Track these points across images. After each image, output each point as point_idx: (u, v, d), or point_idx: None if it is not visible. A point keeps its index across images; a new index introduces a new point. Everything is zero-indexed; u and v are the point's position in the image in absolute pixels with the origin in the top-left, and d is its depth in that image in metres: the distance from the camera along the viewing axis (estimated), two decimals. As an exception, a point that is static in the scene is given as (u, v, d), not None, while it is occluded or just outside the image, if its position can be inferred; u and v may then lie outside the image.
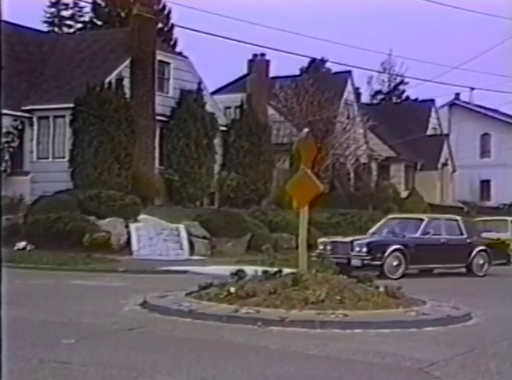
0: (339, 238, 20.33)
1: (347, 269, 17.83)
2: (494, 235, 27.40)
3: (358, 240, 19.51)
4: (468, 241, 20.85)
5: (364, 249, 18.81)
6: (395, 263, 19.00)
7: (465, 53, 79.10)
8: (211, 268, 18.91)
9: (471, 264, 20.73)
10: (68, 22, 49.90)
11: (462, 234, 20.80)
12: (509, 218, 29.25)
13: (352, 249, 18.93)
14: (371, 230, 21.39)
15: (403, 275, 18.79)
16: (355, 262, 18.58)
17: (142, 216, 25.28)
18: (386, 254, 18.84)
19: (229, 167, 32.49)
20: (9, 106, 26.52)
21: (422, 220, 20.66)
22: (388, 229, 20.92)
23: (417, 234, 19.96)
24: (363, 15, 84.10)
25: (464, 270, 20.80)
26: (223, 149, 32.88)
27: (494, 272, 20.78)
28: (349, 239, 19.66)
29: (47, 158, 28.61)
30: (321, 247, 19.36)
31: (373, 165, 43.10)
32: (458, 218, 21.92)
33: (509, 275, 21.44)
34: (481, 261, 20.86)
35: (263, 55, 37.36)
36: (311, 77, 38.92)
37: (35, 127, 28.75)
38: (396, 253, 19.02)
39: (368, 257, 18.71)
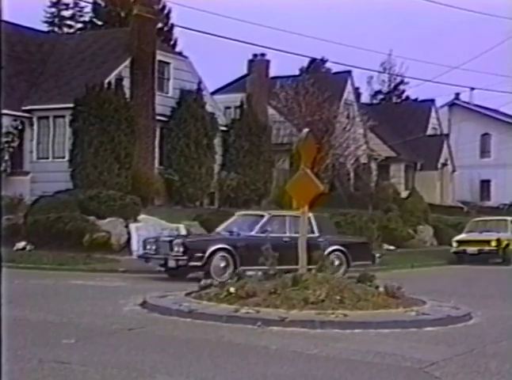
0: (163, 237, 18.90)
1: (181, 272, 17.04)
2: (494, 235, 27.55)
3: (177, 239, 17.84)
4: (320, 239, 17.73)
5: (180, 249, 16.95)
6: (222, 264, 17.06)
7: (465, 53, 79.13)
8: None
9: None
10: (68, 22, 49.91)
11: (313, 232, 18.17)
12: (509, 218, 29.23)
13: (171, 249, 17.06)
14: (218, 229, 19.30)
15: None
16: (171, 263, 16.91)
17: (142, 216, 25.27)
18: (207, 254, 16.88)
19: (229, 167, 32.49)
20: (9, 106, 26.53)
21: (262, 216, 18.55)
22: (232, 226, 18.76)
23: (253, 232, 17.89)
24: (363, 15, 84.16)
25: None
26: (223, 149, 32.87)
27: (493, 272, 20.71)
28: (170, 238, 18.16)
29: (47, 158, 28.61)
30: (148, 247, 18.03)
31: (373, 165, 43.09)
32: (309, 214, 19.53)
33: (509, 275, 21.48)
34: (336, 262, 18.30)
35: (263, 55, 37.36)
36: (311, 77, 38.91)
37: (35, 127, 28.75)
38: (222, 253, 17.10)
39: (184, 258, 16.85)
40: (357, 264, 18.53)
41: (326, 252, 17.18)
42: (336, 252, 18.52)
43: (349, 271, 18.23)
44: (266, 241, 16.55)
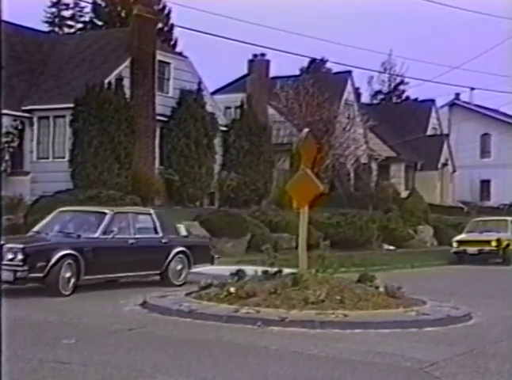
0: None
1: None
2: (494, 235, 27.55)
3: (11, 243, 13.37)
4: (164, 240, 16.25)
5: (20, 257, 13.09)
6: (67, 274, 13.67)
7: (465, 53, 79.07)
8: (211, 268, 18.88)
9: (167, 270, 16.13)
10: (68, 22, 49.88)
11: (157, 232, 16.22)
12: (509, 218, 29.25)
13: (1, 257, 12.58)
14: (35, 228, 15.64)
15: (74, 290, 13.81)
16: (6, 275, 12.74)
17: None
18: (52, 262, 13.37)
19: (229, 167, 32.48)
20: (9, 106, 26.51)
21: (104, 214, 15.26)
22: (60, 226, 15.20)
23: (96, 234, 14.72)
24: (363, 15, 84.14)
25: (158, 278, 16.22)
26: (223, 149, 32.87)
27: (493, 272, 20.72)
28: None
29: (47, 158, 28.60)
30: None
31: (373, 165, 43.09)
32: (151, 211, 17.20)
33: (509, 275, 21.48)
34: (179, 267, 16.38)
35: (263, 55, 37.36)
36: (312, 77, 38.89)
37: (35, 127, 28.74)
38: (68, 261, 13.69)
39: (25, 268, 13.09)
40: (196, 267, 16.89)
41: (171, 256, 16.10)
42: (180, 255, 16.40)
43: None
44: (113, 244, 14.76)
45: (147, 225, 16.21)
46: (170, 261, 16.13)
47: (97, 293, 14.23)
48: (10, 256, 13.05)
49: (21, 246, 13.26)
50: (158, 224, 16.28)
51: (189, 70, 32.13)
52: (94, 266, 14.10)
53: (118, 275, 15.27)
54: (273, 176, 34.05)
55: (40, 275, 13.25)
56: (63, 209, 16.10)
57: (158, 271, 16.07)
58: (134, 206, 25.08)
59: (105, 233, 14.74)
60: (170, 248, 16.25)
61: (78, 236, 14.51)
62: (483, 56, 70.93)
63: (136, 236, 15.54)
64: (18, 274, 13.03)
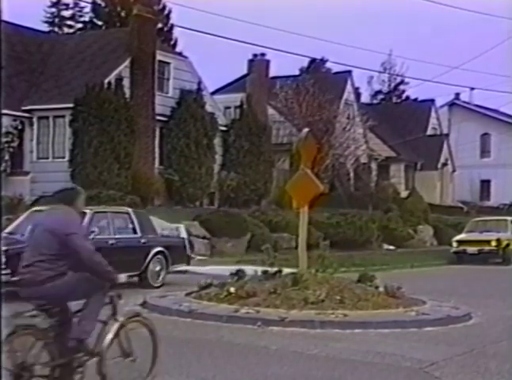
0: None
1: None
2: (494, 235, 27.54)
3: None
4: (143, 240, 15.73)
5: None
6: None
7: (465, 53, 79.11)
8: (211, 268, 18.89)
9: (147, 271, 15.57)
10: (68, 22, 49.87)
11: (135, 232, 15.66)
12: (509, 218, 29.24)
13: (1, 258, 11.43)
14: (7, 229, 14.73)
15: None
16: None
17: (142, 216, 25.26)
18: None
19: (229, 167, 32.48)
20: (9, 106, 26.50)
21: (83, 214, 13.33)
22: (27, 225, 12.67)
23: None
24: (363, 15, 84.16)
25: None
26: (223, 149, 32.87)
27: (493, 272, 20.69)
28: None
29: (47, 158, 28.60)
30: None
31: (373, 165, 43.09)
32: (129, 210, 16.47)
33: (509, 275, 21.47)
34: (158, 267, 15.86)
35: (263, 55, 37.35)
36: (311, 77, 38.88)
37: (35, 127, 28.74)
38: None
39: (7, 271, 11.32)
40: (174, 268, 16.33)
41: (150, 256, 15.50)
42: (158, 256, 15.85)
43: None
44: (95, 245, 13.17)
45: (125, 225, 15.58)
46: (149, 262, 15.52)
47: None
48: None
49: (5, 247, 12.10)
50: (136, 224, 15.71)
51: (188, 70, 32.13)
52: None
53: None
54: (273, 176, 34.05)
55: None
56: (37, 208, 15.02)
57: (136, 273, 15.24)
58: (134, 206, 25.18)
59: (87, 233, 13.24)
60: (148, 248, 15.65)
61: None
62: (483, 56, 71.02)
63: (116, 236, 14.91)
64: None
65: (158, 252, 15.78)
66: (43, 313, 6.21)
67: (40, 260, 6.19)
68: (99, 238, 13.90)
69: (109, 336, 6.56)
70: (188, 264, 17.18)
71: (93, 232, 13.73)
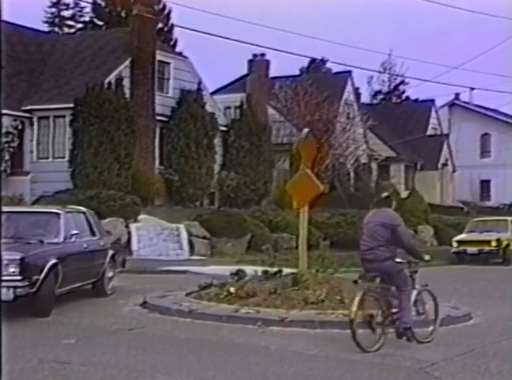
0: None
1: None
2: (494, 235, 27.52)
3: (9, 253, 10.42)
4: (102, 243, 13.99)
5: (16, 269, 10.58)
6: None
7: (465, 53, 79.09)
8: (211, 268, 18.89)
9: (103, 277, 13.71)
10: (68, 22, 49.86)
11: (94, 234, 13.80)
12: (509, 218, 29.22)
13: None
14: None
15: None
16: (5, 295, 9.89)
17: (142, 216, 25.28)
18: (43, 274, 10.99)
19: (229, 167, 32.47)
20: (9, 106, 26.50)
21: (58, 216, 12.59)
22: (11, 230, 11.76)
23: (60, 238, 12.13)
24: (363, 15, 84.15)
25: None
26: (223, 149, 32.86)
27: (493, 272, 20.67)
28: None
29: (47, 158, 28.58)
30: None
31: (373, 165, 43.08)
32: (85, 209, 14.47)
33: (509, 275, 21.45)
34: (110, 273, 14.11)
35: (263, 55, 37.34)
36: (311, 77, 38.89)
37: (35, 127, 28.72)
38: (53, 272, 11.30)
39: (24, 284, 10.70)
40: (116, 272, 14.59)
41: (107, 260, 13.88)
42: (111, 260, 14.17)
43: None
44: (75, 248, 12.33)
45: (85, 226, 13.56)
46: (106, 267, 13.81)
47: (96, 293, 14.21)
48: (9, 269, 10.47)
49: (21, 255, 10.76)
50: (93, 224, 13.98)
51: (188, 70, 32.12)
52: (66, 277, 11.67)
53: (78, 285, 12.73)
54: (273, 176, 34.04)
55: (33, 290, 10.84)
56: (11, 209, 13.12)
57: (95, 279, 13.52)
58: (134, 206, 25.17)
59: (67, 237, 12.20)
60: (106, 251, 13.97)
61: (41, 241, 11.73)
62: (483, 56, 71.02)
63: (85, 239, 13.10)
64: (18, 290, 10.55)
65: (111, 256, 14.14)
66: (381, 281, 9.14)
67: (379, 245, 9.03)
68: (76, 242, 12.42)
69: (412, 298, 9.40)
70: (123, 266, 15.39)
71: (74, 235, 12.31)
